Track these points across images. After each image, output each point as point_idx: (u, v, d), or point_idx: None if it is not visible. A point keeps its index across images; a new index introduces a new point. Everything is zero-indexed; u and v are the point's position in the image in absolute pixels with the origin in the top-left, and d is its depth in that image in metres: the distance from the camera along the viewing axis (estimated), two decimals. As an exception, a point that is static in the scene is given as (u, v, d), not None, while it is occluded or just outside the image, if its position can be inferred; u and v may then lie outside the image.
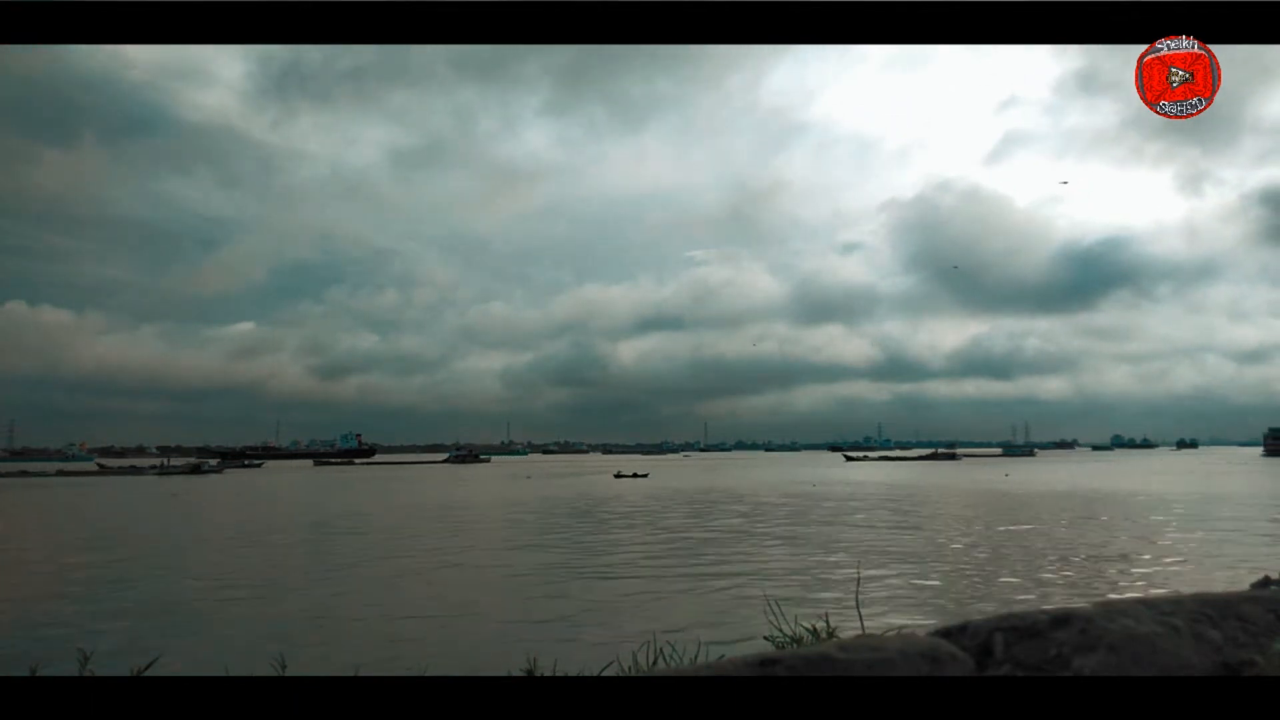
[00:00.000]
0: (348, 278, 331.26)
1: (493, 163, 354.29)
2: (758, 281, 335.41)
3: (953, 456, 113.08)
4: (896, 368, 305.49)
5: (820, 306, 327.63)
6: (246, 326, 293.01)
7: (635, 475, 56.91)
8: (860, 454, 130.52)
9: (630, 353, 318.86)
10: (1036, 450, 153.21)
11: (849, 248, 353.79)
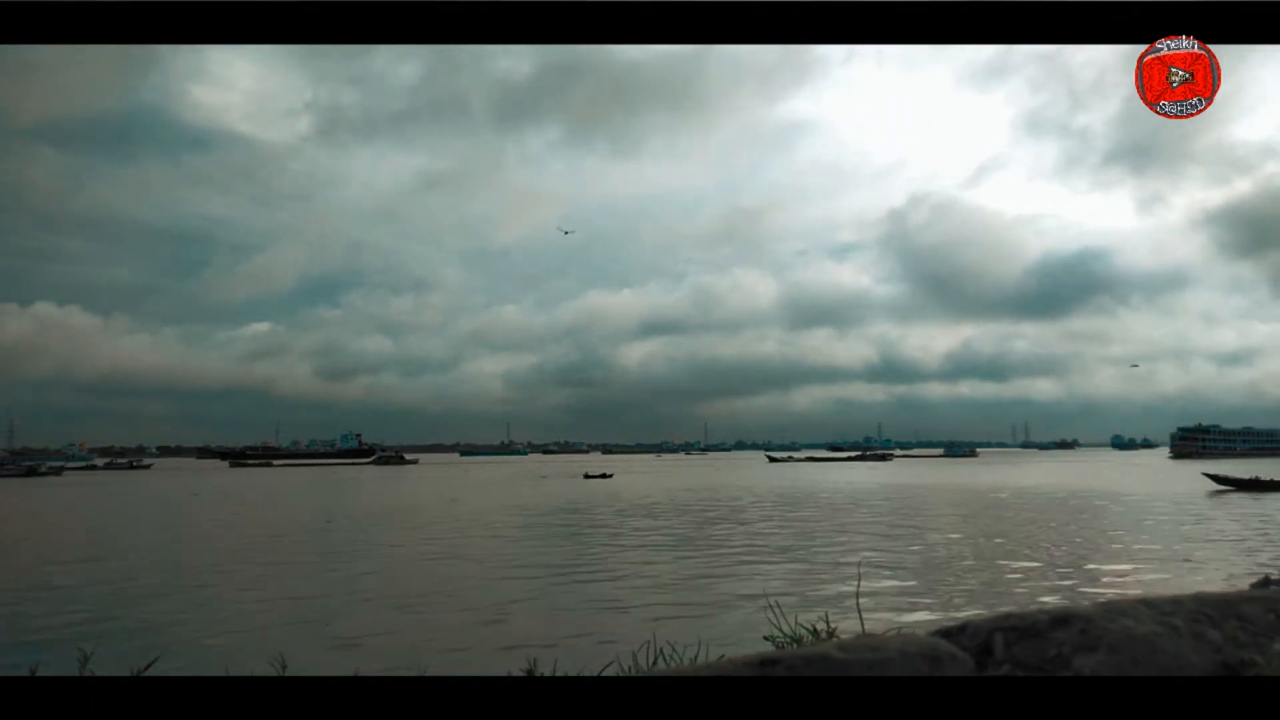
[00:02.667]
0: (368, 285, 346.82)
1: (513, 187, 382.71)
2: (755, 288, 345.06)
3: (884, 457, 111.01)
4: (892, 370, 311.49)
5: (815, 312, 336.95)
6: (261, 329, 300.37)
7: (603, 475, 57.30)
8: (785, 455, 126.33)
9: (632, 356, 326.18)
10: (979, 451, 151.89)
11: (841, 258, 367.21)
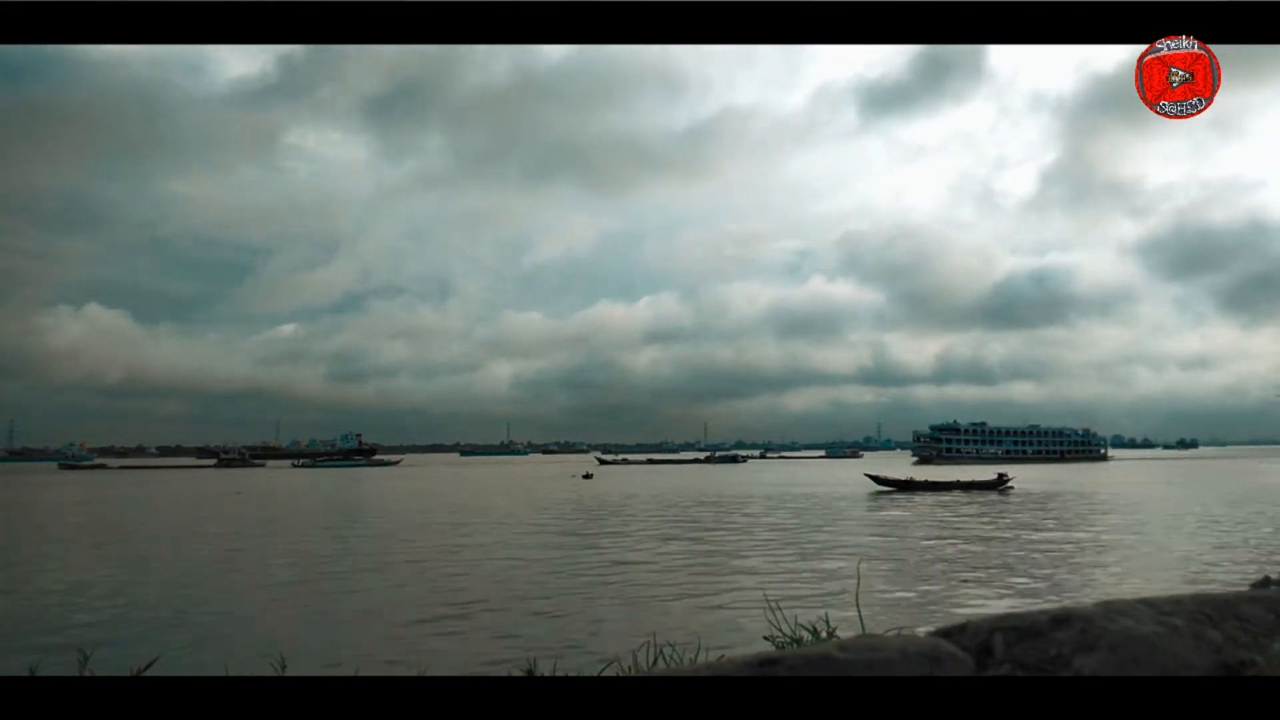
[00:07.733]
0: (397, 292, 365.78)
1: (538, 218, 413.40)
2: (753, 297, 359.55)
3: (734, 459, 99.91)
4: (884, 374, 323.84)
5: (807, 321, 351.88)
6: (286, 332, 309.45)
7: (587, 475, 58.30)
8: (620, 457, 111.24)
9: (636, 361, 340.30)
10: (863, 453, 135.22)
11: (830, 273, 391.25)
